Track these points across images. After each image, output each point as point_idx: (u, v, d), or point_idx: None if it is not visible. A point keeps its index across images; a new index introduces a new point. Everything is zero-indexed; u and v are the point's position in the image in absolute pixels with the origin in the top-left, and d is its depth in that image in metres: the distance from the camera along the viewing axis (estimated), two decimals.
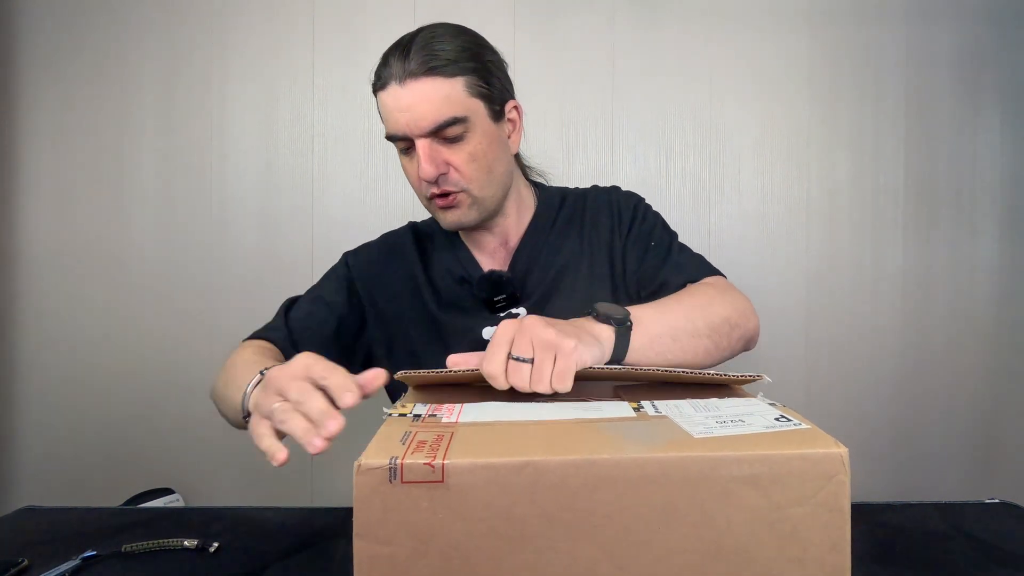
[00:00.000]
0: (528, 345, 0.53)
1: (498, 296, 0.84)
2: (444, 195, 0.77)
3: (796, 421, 0.44)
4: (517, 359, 0.53)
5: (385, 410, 0.49)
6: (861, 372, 1.44)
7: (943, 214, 1.44)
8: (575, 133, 1.41)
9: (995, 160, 1.45)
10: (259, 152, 1.38)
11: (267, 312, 1.38)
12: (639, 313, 0.65)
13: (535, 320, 0.56)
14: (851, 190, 1.44)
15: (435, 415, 0.47)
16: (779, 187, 1.43)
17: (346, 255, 0.94)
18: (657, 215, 0.90)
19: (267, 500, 1.37)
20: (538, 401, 0.52)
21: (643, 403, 0.51)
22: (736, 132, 1.42)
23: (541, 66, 1.41)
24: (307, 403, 0.48)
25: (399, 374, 0.56)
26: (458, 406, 0.50)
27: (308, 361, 0.52)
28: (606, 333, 0.61)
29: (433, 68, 0.72)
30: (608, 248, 0.87)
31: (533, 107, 1.40)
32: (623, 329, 0.62)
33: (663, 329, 0.66)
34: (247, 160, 1.38)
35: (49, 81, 1.35)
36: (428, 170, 0.73)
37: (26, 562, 0.58)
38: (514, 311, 0.85)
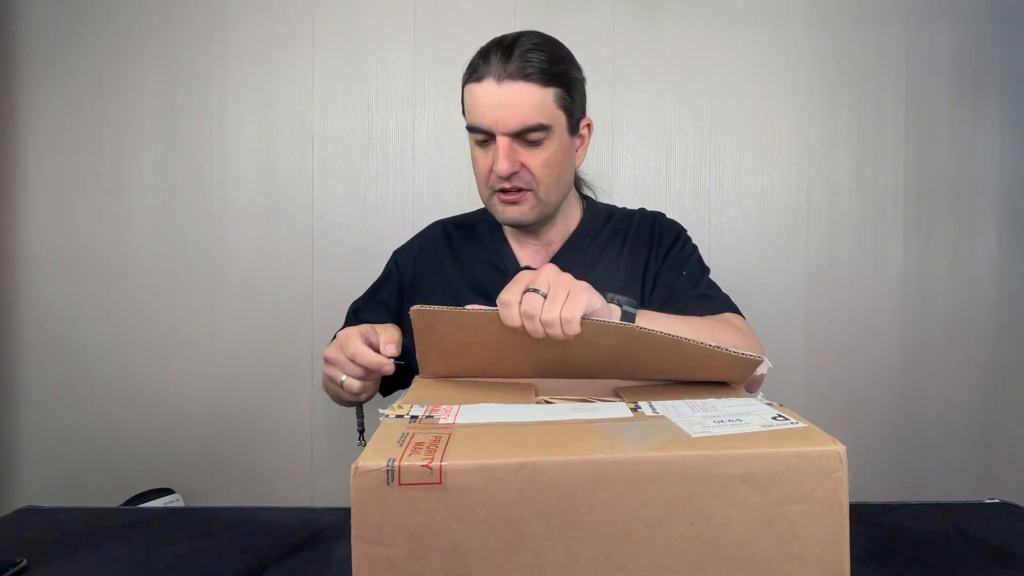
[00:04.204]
0: (545, 282, 0.57)
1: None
2: (511, 191, 0.81)
3: (794, 420, 0.44)
4: (532, 291, 0.56)
5: (381, 411, 0.49)
6: (861, 372, 1.44)
7: (943, 214, 1.44)
8: None
9: (995, 160, 1.45)
10: (259, 152, 1.39)
11: (267, 312, 1.40)
12: (648, 312, 0.69)
13: (553, 266, 0.60)
14: (851, 190, 1.44)
15: (432, 416, 0.47)
16: (779, 187, 1.43)
17: (395, 253, 1.00)
18: (695, 248, 0.94)
19: (267, 500, 1.37)
20: (535, 403, 0.52)
21: (640, 403, 0.51)
22: (736, 132, 1.42)
23: None
24: (358, 355, 0.70)
25: (413, 309, 0.57)
26: (455, 407, 0.50)
27: (365, 328, 0.73)
28: (615, 312, 0.63)
29: (530, 75, 0.76)
30: (643, 270, 0.90)
31: None
32: (628, 313, 0.64)
33: (665, 327, 0.66)
34: (247, 160, 1.38)
35: (49, 81, 1.36)
36: (505, 166, 0.78)
37: (25, 562, 0.58)
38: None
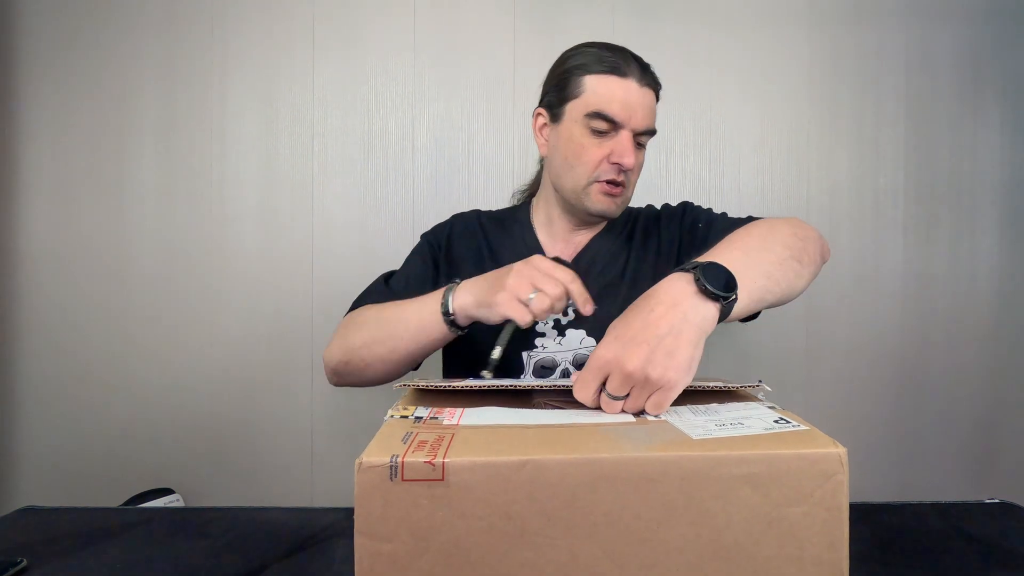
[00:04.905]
0: (622, 384, 0.50)
1: None
2: (619, 184, 0.87)
3: (795, 423, 0.44)
4: (612, 397, 0.50)
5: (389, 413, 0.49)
6: (861, 372, 1.44)
7: (943, 214, 1.45)
8: None
9: (995, 160, 1.45)
10: (259, 152, 1.39)
11: (267, 311, 1.40)
12: (727, 260, 0.58)
13: (629, 350, 0.50)
14: (851, 190, 1.44)
15: (436, 418, 0.47)
16: (779, 187, 1.43)
17: (424, 235, 1.03)
18: (705, 209, 0.98)
19: (267, 500, 1.37)
20: (539, 406, 0.52)
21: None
22: (736, 132, 1.42)
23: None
24: (559, 301, 0.66)
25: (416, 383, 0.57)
26: (459, 410, 0.50)
27: (549, 265, 0.68)
28: (711, 312, 0.54)
29: (656, 89, 0.88)
30: (676, 252, 0.95)
31: (533, 106, 1.40)
32: (728, 304, 0.55)
33: (757, 273, 0.61)
34: (247, 160, 1.38)
35: (49, 81, 1.36)
36: (631, 160, 0.85)
37: (25, 562, 0.58)
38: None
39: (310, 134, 1.39)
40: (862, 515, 0.69)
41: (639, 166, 0.90)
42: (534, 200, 1.03)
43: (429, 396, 0.57)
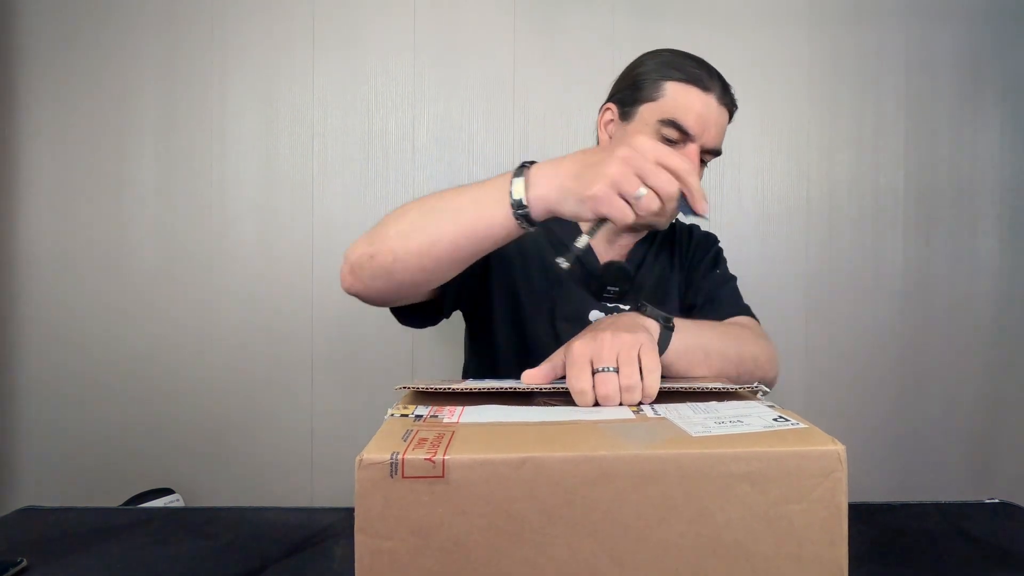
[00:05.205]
0: (611, 354, 0.53)
1: (612, 287, 0.90)
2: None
3: (794, 421, 0.44)
4: (602, 370, 0.53)
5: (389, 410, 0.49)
6: (861, 372, 1.44)
7: (943, 214, 1.45)
8: (575, 132, 1.41)
9: (995, 160, 1.45)
10: (259, 152, 1.39)
11: (267, 311, 1.40)
12: (681, 323, 0.68)
13: (608, 326, 0.58)
14: (851, 190, 1.44)
15: (436, 416, 0.47)
16: (779, 187, 1.43)
17: None
18: (725, 267, 1.02)
19: (267, 500, 1.37)
20: (539, 405, 0.53)
21: (643, 406, 0.51)
22: (736, 132, 1.42)
23: (541, 65, 1.41)
24: (671, 202, 0.55)
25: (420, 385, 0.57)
26: (459, 408, 0.50)
27: (663, 151, 0.56)
28: (653, 327, 0.64)
29: (732, 110, 0.87)
30: (687, 277, 0.97)
31: (533, 106, 1.41)
32: (667, 330, 0.65)
33: (700, 342, 0.70)
34: (247, 160, 1.38)
35: (49, 81, 1.36)
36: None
37: (25, 562, 0.58)
38: (622, 306, 0.90)
39: (310, 134, 1.39)
40: (862, 515, 0.69)
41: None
42: None
43: (429, 397, 0.57)
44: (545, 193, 0.58)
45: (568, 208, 0.58)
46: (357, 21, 1.39)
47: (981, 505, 0.74)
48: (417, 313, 0.80)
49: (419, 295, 0.74)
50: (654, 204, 0.55)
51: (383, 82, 1.40)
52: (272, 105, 1.39)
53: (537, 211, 0.59)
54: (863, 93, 1.43)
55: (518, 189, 0.59)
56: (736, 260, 1.42)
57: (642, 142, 0.56)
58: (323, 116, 1.39)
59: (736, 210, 1.43)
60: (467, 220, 0.62)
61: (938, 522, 0.68)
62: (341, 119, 1.39)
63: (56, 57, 1.36)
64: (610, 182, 0.55)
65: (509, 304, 0.90)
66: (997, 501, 0.75)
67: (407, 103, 1.40)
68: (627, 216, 0.56)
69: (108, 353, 1.37)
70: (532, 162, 0.61)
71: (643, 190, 0.54)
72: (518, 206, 0.59)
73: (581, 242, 0.61)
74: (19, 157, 1.36)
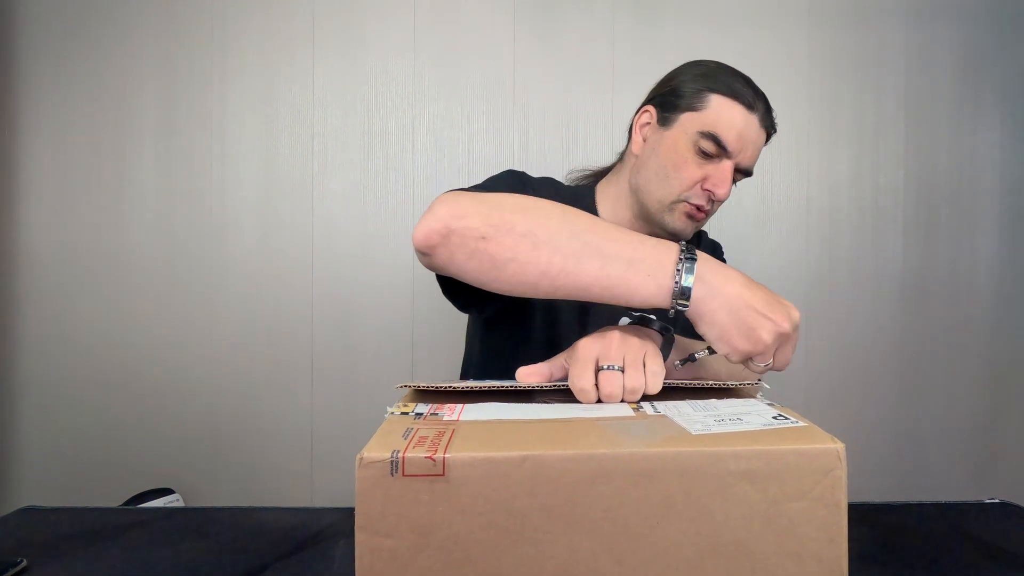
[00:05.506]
0: (618, 354, 0.55)
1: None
2: (701, 209, 0.85)
3: (794, 419, 0.44)
4: (607, 368, 0.54)
5: (388, 408, 0.49)
6: (861, 372, 1.44)
7: (943, 214, 1.45)
8: (575, 132, 1.42)
9: (995, 160, 1.45)
10: (259, 152, 1.39)
11: (267, 311, 1.40)
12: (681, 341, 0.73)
13: (617, 330, 0.59)
14: (851, 190, 1.44)
15: (437, 414, 0.47)
16: (779, 187, 1.43)
17: (510, 170, 0.88)
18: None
19: (267, 500, 1.37)
20: (539, 402, 0.53)
21: (642, 403, 0.51)
22: None
23: (541, 65, 1.41)
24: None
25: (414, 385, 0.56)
26: (459, 406, 0.50)
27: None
28: (658, 338, 0.64)
29: (769, 134, 0.86)
30: None
31: (533, 106, 1.41)
32: (668, 335, 0.67)
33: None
34: (247, 160, 1.38)
35: (49, 81, 1.36)
36: (726, 191, 0.82)
37: (25, 562, 0.58)
38: (648, 314, 0.88)
39: (310, 134, 1.39)
40: (862, 515, 0.69)
41: (727, 199, 0.88)
42: (599, 189, 0.96)
43: (429, 395, 0.57)
44: (712, 309, 0.56)
45: (716, 334, 0.56)
46: (357, 21, 1.39)
47: (981, 505, 0.73)
48: (471, 296, 0.73)
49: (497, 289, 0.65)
50: (767, 366, 0.60)
51: (383, 82, 1.40)
52: (272, 105, 1.39)
53: (694, 312, 0.56)
54: (863, 93, 1.43)
55: (687, 284, 0.55)
56: (736, 260, 1.43)
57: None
58: (323, 116, 1.39)
59: (736, 210, 1.43)
60: (614, 274, 0.57)
61: (938, 522, 0.68)
62: (341, 119, 1.39)
63: (56, 57, 1.36)
64: (773, 338, 0.57)
65: (547, 303, 0.88)
66: (997, 501, 0.75)
67: (407, 103, 1.40)
68: (756, 371, 0.60)
69: (108, 353, 1.37)
70: (694, 250, 0.57)
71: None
72: (681, 294, 0.55)
73: (700, 353, 0.63)
74: (19, 157, 1.36)
